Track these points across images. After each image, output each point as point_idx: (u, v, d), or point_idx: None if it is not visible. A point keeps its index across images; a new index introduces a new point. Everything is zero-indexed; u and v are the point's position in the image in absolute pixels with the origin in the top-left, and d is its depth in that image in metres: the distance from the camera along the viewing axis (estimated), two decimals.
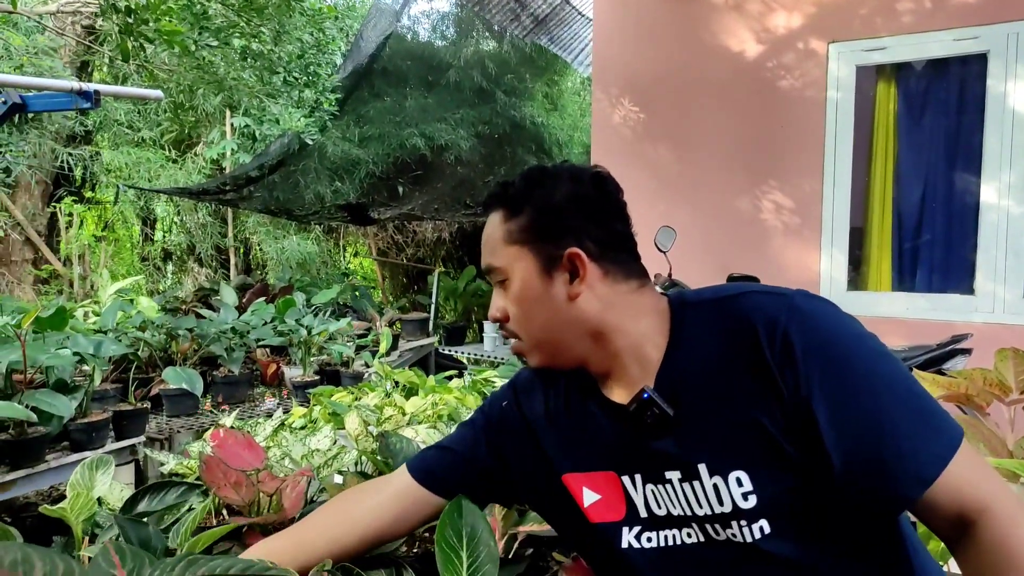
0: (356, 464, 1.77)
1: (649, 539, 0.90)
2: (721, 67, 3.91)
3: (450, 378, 2.82)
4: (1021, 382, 1.62)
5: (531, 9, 6.04)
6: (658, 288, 3.71)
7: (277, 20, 3.62)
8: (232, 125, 6.09)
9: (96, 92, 2.33)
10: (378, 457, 1.72)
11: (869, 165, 3.60)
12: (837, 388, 0.75)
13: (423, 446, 1.89)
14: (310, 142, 4.25)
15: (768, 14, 3.76)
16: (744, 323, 0.81)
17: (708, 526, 0.85)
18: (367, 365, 4.83)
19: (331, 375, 4.10)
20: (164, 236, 7.52)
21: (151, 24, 2.26)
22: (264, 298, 4.85)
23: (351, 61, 4.61)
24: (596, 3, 4.36)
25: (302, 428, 2.14)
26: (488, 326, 7.29)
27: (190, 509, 1.43)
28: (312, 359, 4.14)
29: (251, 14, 3.24)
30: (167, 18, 2.71)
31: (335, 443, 1.88)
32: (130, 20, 2.20)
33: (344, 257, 9.02)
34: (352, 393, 2.43)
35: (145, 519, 1.42)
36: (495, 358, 6.73)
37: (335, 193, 6.73)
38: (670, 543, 0.89)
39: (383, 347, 3.23)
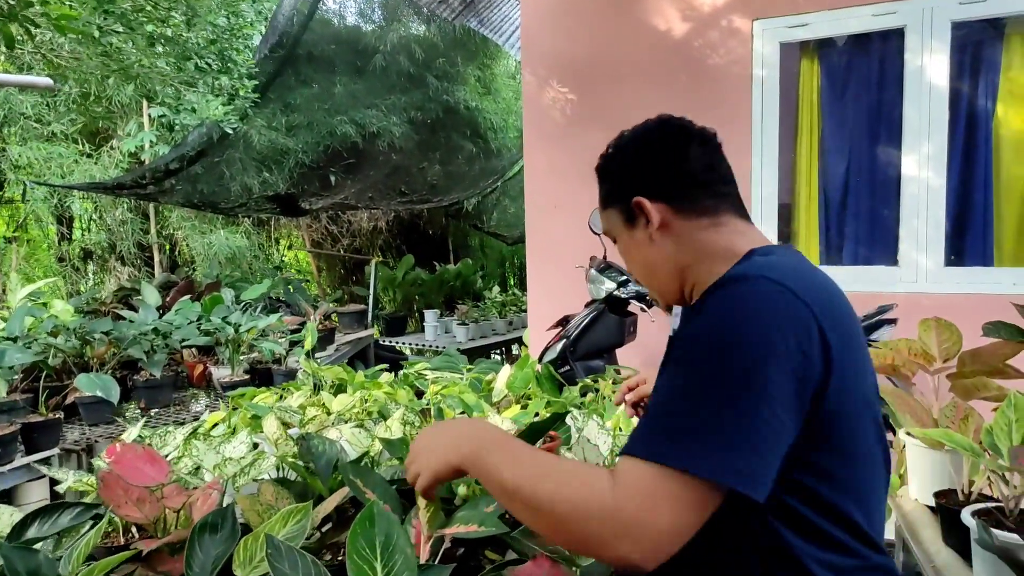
0: (277, 469, 1.67)
1: None
2: (648, 46, 3.89)
3: (389, 370, 2.73)
4: (944, 351, 1.63)
5: None
6: (593, 270, 3.69)
7: (187, 3, 3.43)
8: (150, 116, 5.80)
9: None
10: (299, 462, 1.63)
11: (795, 141, 3.64)
12: (661, 374, 0.86)
13: (348, 447, 1.81)
14: (230, 131, 4.06)
15: None
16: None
17: None
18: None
19: (263, 374, 3.95)
20: (83, 235, 7.14)
21: (37, 7, 2.08)
22: (190, 296, 4.64)
23: (267, 45, 4.42)
24: None
25: (223, 433, 2.02)
26: (429, 315, 7.20)
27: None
28: (242, 358, 3.98)
29: None
30: (61, 0, 2.51)
31: (256, 448, 1.78)
32: (12, 2, 2.01)
33: (278, 250, 8.76)
34: (277, 393, 2.32)
35: (36, 546, 1.30)
36: (437, 347, 6.64)
37: (263, 184, 6.49)
38: None
39: (308, 343, 3.10)
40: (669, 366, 0.85)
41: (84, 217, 6.97)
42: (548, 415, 1.98)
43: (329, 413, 1.97)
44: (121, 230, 6.62)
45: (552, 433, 2.10)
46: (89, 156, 6.31)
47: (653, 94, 3.84)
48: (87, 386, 2.84)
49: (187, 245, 6.66)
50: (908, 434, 1.54)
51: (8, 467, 2.76)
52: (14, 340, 3.00)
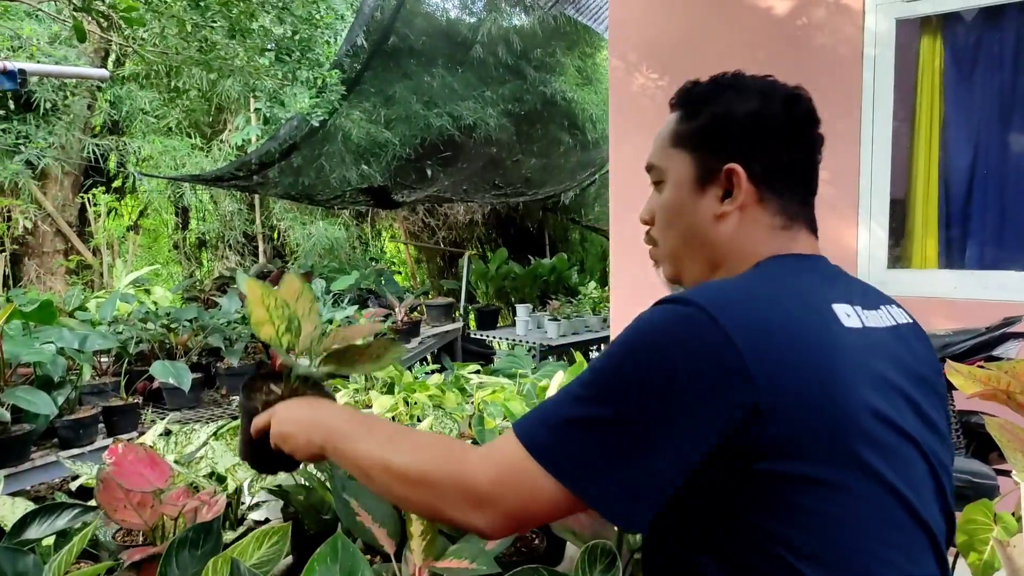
0: (302, 477, 1.60)
1: None
2: (746, 26, 3.57)
3: (444, 370, 2.63)
4: None
5: None
6: None
7: None
8: (256, 111, 6.01)
9: (22, 71, 2.20)
10: (315, 473, 1.55)
11: (912, 130, 3.23)
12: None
13: None
14: (316, 123, 4.09)
15: None
16: None
17: None
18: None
19: None
20: (197, 224, 7.54)
21: (104, 1, 2.13)
22: None
23: (355, 37, 4.43)
24: None
25: None
26: (521, 309, 7.10)
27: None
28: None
29: None
30: None
31: None
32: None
33: (378, 242, 8.94)
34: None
35: (32, 546, 1.28)
36: (528, 342, 6.54)
37: (361, 177, 6.62)
38: None
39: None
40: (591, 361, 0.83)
41: (200, 208, 7.35)
42: None
43: None
44: (230, 220, 6.93)
45: None
46: (201, 149, 6.63)
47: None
48: (161, 373, 2.92)
49: (289, 235, 6.89)
50: None
51: (89, 448, 2.88)
52: (98, 325, 3.13)
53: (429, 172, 6.92)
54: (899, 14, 3.16)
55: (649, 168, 0.96)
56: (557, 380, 2.09)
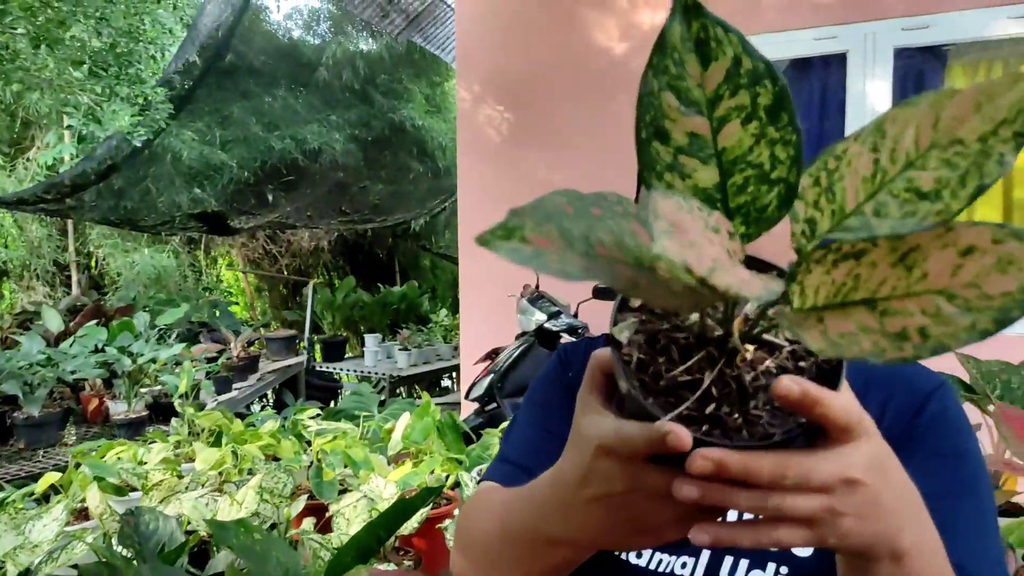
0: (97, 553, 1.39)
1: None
2: (587, 64, 3.70)
3: (322, 400, 2.45)
4: None
5: (401, 6, 5.69)
6: (524, 300, 3.46)
7: (90, 5, 3.14)
8: (69, 127, 5.44)
9: None
10: (119, 549, 1.35)
11: None
12: None
13: (186, 520, 1.53)
14: (139, 143, 3.75)
15: (634, 10, 3.58)
16: None
17: None
18: (218, 393, 4.36)
19: (166, 409, 3.62)
20: None
21: None
22: (97, 321, 4.28)
23: (187, 54, 4.13)
24: None
25: (58, 499, 1.72)
26: (370, 339, 6.88)
27: None
28: (144, 390, 3.65)
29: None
30: None
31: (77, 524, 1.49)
32: None
33: (215, 269, 8.37)
34: (142, 444, 2.02)
35: None
36: (377, 373, 6.33)
37: (193, 201, 6.18)
38: None
39: (184, 384, 2.79)
40: None
41: (0, 233, 6.53)
42: (429, 484, 1.73)
43: (180, 476, 1.69)
44: (38, 247, 6.21)
45: (450, 493, 1.85)
46: (2, 168, 5.91)
47: (591, 114, 3.65)
48: None
49: (109, 263, 6.27)
50: None
51: None
52: None
53: (270, 197, 6.58)
54: None
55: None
56: (403, 423, 1.99)
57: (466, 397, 3.44)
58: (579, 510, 0.48)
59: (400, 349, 6.45)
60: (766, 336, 0.45)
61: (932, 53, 3.10)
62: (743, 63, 0.43)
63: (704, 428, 0.42)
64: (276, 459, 2.02)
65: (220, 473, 1.93)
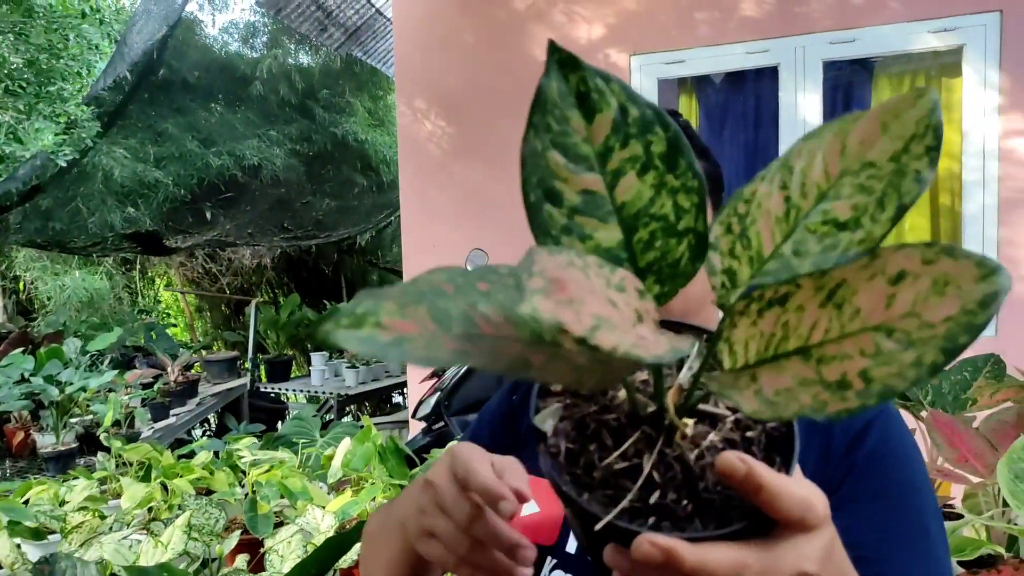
0: None
1: None
2: (527, 79, 3.70)
3: (266, 422, 2.35)
4: None
5: (339, 20, 5.62)
6: None
7: (6, 20, 3.00)
8: None
9: None
10: None
11: None
12: None
13: (111, 566, 1.45)
14: (64, 163, 3.60)
15: (570, 24, 3.60)
16: None
17: None
18: (154, 420, 4.20)
19: (98, 440, 3.46)
20: None
21: None
22: (24, 348, 4.08)
23: (115, 71, 4.00)
24: (395, 10, 4.04)
25: None
26: (316, 357, 6.73)
27: None
28: (75, 421, 3.48)
29: None
30: None
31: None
32: None
33: (153, 290, 8.10)
34: (64, 482, 1.91)
35: None
36: (324, 392, 6.19)
37: (127, 221, 5.98)
38: None
39: (109, 416, 2.66)
40: None
41: None
42: (370, 513, 1.68)
43: (103, 517, 1.60)
44: None
45: None
46: None
47: None
48: None
49: (37, 287, 6.01)
50: None
51: None
52: None
53: (208, 215, 6.41)
54: (660, 75, 3.43)
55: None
56: (343, 449, 1.93)
57: (413, 416, 3.38)
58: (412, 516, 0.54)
59: (348, 367, 6.33)
60: (704, 407, 0.41)
61: (860, 65, 3.19)
62: (629, 112, 0.41)
63: (651, 521, 0.37)
64: (210, 492, 1.94)
65: (150, 510, 1.84)
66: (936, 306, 0.33)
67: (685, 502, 0.38)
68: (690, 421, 0.41)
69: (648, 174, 0.41)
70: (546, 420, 0.41)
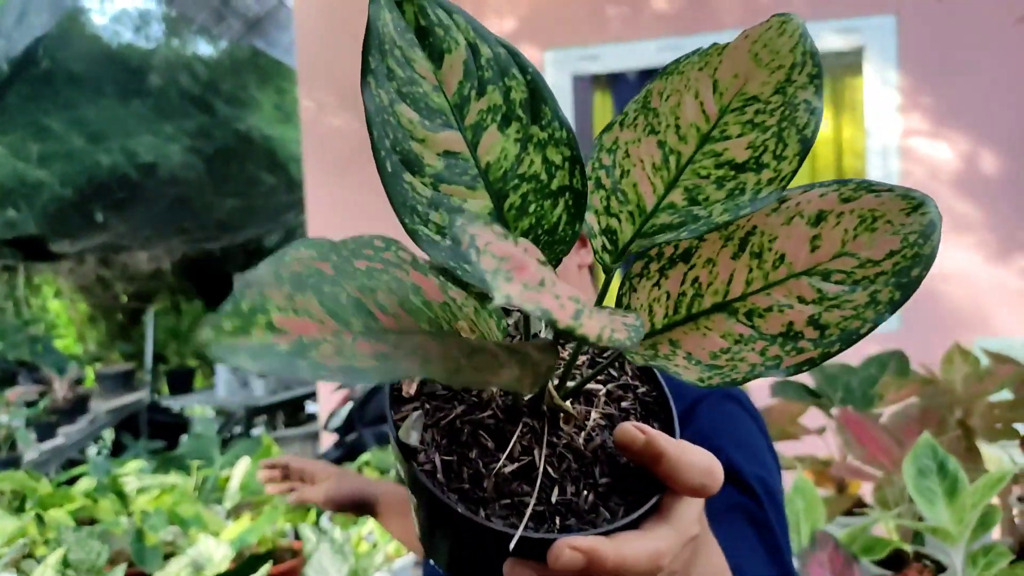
0: None
1: None
2: None
3: (166, 441, 2.14)
4: None
5: (238, 10, 5.34)
6: None
7: None
8: None
9: None
10: None
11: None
12: None
13: None
14: None
15: (480, 16, 3.50)
16: None
17: None
18: (40, 440, 3.86)
19: None
20: None
21: None
22: None
23: None
24: (296, 1, 3.86)
25: None
26: (221, 369, 6.38)
27: None
28: None
29: None
30: None
31: None
32: None
33: (39, 299, 7.51)
34: None
35: None
36: (231, 405, 5.86)
37: (6, 225, 5.54)
38: None
39: None
40: None
41: None
42: (271, 538, 1.54)
43: None
44: None
45: (296, 545, 1.66)
46: None
47: None
48: None
49: None
50: None
51: None
52: None
53: (99, 217, 5.99)
54: (574, 71, 3.40)
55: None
56: (240, 469, 1.78)
57: (325, 427, 3.22)
58: None
59: (257, 376, 6.03)
60: (570, 384, 0.37)
61: None
62: (481, 51, 0.36)
63: (559, 522, 0.32)
64: (94, 522, 1.74)
65: (26, 545, 1.64)
66: (872, 243, 0.33)
67: (586, 492, 0.34)
68: (569, 402, 0.37)
69: (510, 127, 0.36)
70: (411, 433, 0.34)
